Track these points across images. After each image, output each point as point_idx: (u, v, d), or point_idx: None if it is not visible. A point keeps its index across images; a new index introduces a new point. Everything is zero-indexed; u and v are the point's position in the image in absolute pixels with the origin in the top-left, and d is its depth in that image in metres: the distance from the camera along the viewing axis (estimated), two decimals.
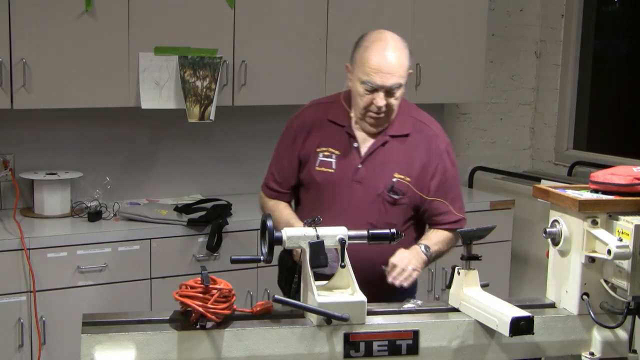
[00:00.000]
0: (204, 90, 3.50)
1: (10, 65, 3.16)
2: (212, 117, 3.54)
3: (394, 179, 2.40)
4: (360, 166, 2.42)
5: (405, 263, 2.28)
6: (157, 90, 3.45)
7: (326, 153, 2.44)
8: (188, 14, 3.48)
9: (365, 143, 2.44)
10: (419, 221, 2.51)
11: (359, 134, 2.45)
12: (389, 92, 2.33)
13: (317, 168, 2.44)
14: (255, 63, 3.64)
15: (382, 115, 2.37)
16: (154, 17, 3.41)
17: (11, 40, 3.15)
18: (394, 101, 2.36)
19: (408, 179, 2.40)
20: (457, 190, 2.52)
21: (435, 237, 2.44)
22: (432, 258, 2.39)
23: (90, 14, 3.29)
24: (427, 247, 2.38)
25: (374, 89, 2.32)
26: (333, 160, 2.43)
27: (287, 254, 2.50)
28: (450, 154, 2.49)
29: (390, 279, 2.25)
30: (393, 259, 2.28)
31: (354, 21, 3.78)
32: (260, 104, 3.56)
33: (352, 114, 2.46)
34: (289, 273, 2.44)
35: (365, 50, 2.35)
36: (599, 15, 4.90)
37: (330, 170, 2.42)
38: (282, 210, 2.52)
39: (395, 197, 2.39)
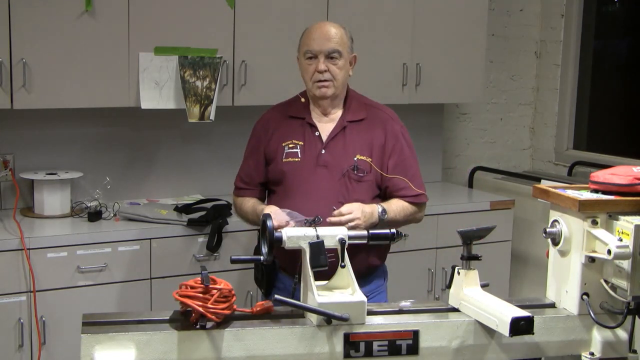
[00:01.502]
0: (204, 90, 3.50)
1: (10, 65, 3.17)
2: (212, 117, 3.54)
3: (356, 159, 2.56)
4: (323, 152, 2.58)
5: (349, 217, 2.38)
6: (157, 90, 3.45)
7: (291, 145, 2.61)
8: (188, 14, 3.48)
9: (325, 130, 2.61)
10: (385, 198, 2.64)
11: (319, 124, 2.62)
12: (329, 58, 2.53)
13: (284, 160, 2.60)
14: (255, 63, 3.65)
15: (327, 82, 2.54)
16: (154, 17, 3.41)
17: (11, 40, 3.15)
18: (336, 69, 2.55)
19: (369, 159, 2.57)
20: (415, 170, 2.66)
21: (395, 205, 2.57)
22: (384, 222, 2.49)
23: (90, 14, 3.29)
24: (385, 210, 2.51)
25: (314, 56, 2.54)
26: (298, 151, 2.60)
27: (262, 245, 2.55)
28: (405, 136, 2.66)
29: (328, 219, 2.37)
30: (344, 208, 2.40)
31: (354, 21, 3.78)
32: (260, 104, 3.55)
33: (302, 99, 2.65)
34: (265, 265, 2.55)
35: (306, 31, 2.62)
36: (599, 15, 4.91)
37: (296, 160, 2.59)
38: (248, 201, 2.70)
39: (360, 175, 2.56)
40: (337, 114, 2.64)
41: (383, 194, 2.62)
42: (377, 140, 2.59)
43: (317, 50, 2.54)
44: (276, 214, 2.39)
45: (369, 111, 2.65)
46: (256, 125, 2.75)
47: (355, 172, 2.55)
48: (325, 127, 2.62)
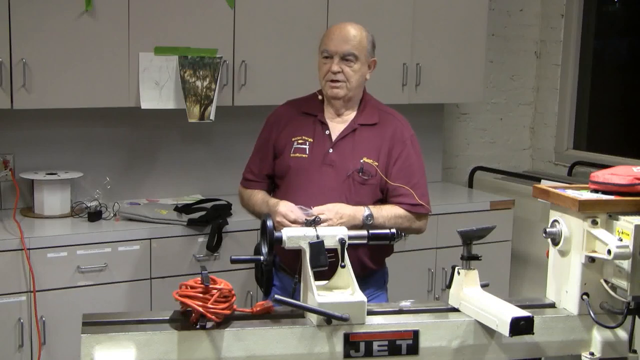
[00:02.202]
0: (204, 90, 3.50)
1: (10, 65, 3.17)
2: (212, 117, 3.54)
3: (363, 161, 2.56)
4: (331, 151, 2.58)
5: (322, 218, 2.37)
6: (157, 90, 3.45)
7: (300, 141, 2.62)
8: (188, 14, 3.48)
9: (336, 130, 2.62)
10: (385, 203, 2.62)
11: (331, 123, 2.63)
12: (344, 60, 2.54)
13: (292, 155, 2.61)
14: (255, 63, 3.65)
15: (339, 83, 2.55)
16: (154, 17, 3.42)
17: (11, 40, 3.16)
18: (350, 72, 2.55)
19: (376, 163, 2.57)
20: (419, 179, 2.63)
21: (387, 211, 2.54)
22: (367, 227, 2.44)
23: (90, 14, 3.29)
24: (371, 216, 2.48)
25: (330, 56, 2.55)
26: (306, 147, 2.61)
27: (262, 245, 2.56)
28: (414, 144, 2.64)
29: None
30: (322, 207, 2.40)
31: (354, 21, 3.78)
32: (260, 104, 3.56)
33: (320, 96, 2.66)
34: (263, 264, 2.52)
35: (327, 30, 2.65)
36: (599, 15, 4.91)
37: (304, 156, 2.60)
38: (257, 194, 2.69)
39: (365, 177, 2.55)
40: (350, 115, 2.64)
41: (385, 198, 2.61)
42: (385, 146, 2.59)
43: (333, 50, 2.54)
44: (294, 210, 2.40)
45: (382, 117, 2.64)
46: (269, 117, 2.75)
47: (361, 174, 2.55)
48: (337, 126, 2.62)
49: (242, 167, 2.79)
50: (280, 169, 2.64)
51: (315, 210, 2.39)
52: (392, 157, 2.58)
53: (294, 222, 2.39)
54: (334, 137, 2.60)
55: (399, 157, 2.59)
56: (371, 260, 2.59)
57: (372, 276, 2.63)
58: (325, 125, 2.62)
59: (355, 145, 2.58)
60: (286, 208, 2.43)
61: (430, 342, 1.86)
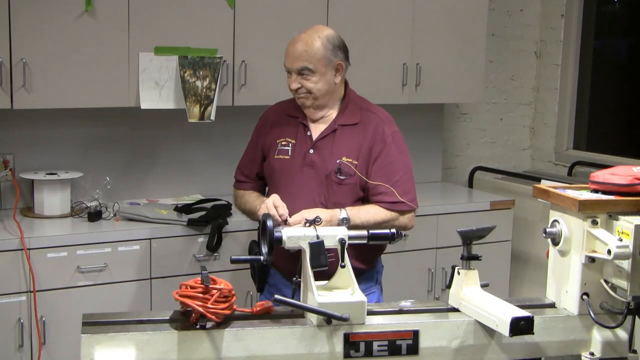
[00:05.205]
0: (204, 90, 3.50)
1: (10, 65, 3.17)
2: (212, 117, 3.54)
3: (340, 161, 2.55)
4: (311, 151, 2.59)
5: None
6: (157, 90, 3.45)
7: (283, 143, 2.64)
8: (188, 14, 3.48)
9: (317, 131, 2.63)
10: (366, 202, 2.61)
11: (312, 124, 2.64)
12: (301, 75, 2.54)
13: (276, 156, 2.63)
14: (255, 63, 3.65)
15: (303, 95, 2.56)
16: (154, 17, 3.42)
17: (11, 40, 3.16)
18: (309, 84, 2.54)
19: (355, 162, 2.55)
20: (402, 175, 2.59)
21: (365, 212, 2.52)
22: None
23: (90, 14, 3.29)
24: (346, 219, 2.46)
25: (288, 71, 2.57)
26: (289, 148, 2.62)
27: (255, 244, 2.60)
28: (396, 141, 2.61)
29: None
30: (296, 216, 2.36)
31: (354, 21, 3.78)
32: (260, 104, 3.55)
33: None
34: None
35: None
36: (599, 15, 4.91)
37: (286, 157, 2.62)
38: (250, 195, 2.73)
39: (342, 177, 2.55)
40: (332, 115, 2.63)
41: (366, 197, 2.59)
42: (365, 144, 2.57)
43: (289, 67, 2.56)
44: (282, 206, 2.39)
45: (364, 115, 2.62)
46: (259, 119, 2.78)
47: (338, 174, 2.54)
48: (318, 127, 2.62)
49: None
50: (266, 170, 2.67)
51: (292, 221, 2.35)
52: (372, 156, 2.56)
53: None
54: (314, 138, 2.60)
55: (379, 155, 2.56)
56: (357, 260, 2.52)
57: (360, 275, 2.57)
58: (307, 127, 2.63)
59: (334, 146, 2.57)
60: (274, 201, 2.41)
61: (430, 342, 1.86)
